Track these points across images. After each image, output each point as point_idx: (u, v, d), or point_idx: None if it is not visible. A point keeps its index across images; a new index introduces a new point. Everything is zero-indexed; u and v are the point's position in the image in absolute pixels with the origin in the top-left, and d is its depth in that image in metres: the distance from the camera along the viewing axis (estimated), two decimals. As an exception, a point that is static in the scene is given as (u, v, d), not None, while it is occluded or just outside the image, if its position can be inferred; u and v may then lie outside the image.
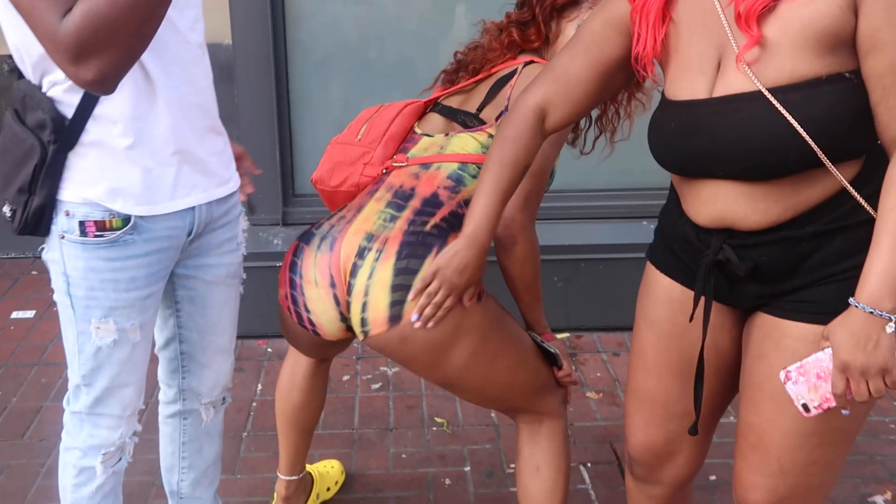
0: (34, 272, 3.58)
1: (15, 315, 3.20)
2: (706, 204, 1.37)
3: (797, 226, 1.32)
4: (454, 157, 1.69)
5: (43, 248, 1.52)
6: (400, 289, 1.56)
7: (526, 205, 1.67)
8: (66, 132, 1.43)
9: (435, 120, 1.81)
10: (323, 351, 1.92)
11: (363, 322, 1.60)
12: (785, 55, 1.25)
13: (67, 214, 1.46)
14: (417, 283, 1.52)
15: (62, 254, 1.48)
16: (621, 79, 1.51)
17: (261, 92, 2.98)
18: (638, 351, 1.58)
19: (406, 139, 1.79)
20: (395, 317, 1.56)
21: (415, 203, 1.64)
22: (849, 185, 1.29)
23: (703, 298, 1.42)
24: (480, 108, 1.74)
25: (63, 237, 1.46)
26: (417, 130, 1.79)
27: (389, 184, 1.69)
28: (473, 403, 1.76)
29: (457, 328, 1.58)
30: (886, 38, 1.22)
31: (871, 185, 1.30)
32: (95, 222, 1.46)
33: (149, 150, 1.47)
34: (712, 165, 1.33)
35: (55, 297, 1.52)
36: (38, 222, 1.48)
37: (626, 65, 1.47)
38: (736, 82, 1.29)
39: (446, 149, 1.71)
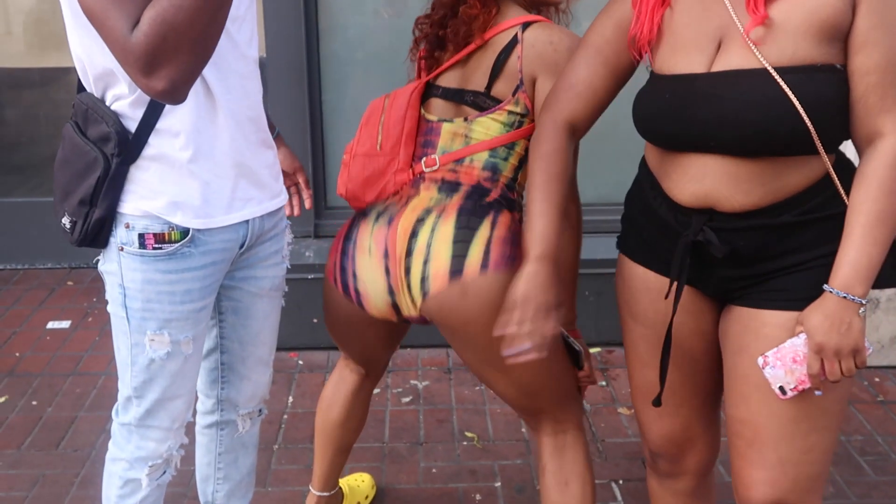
0: (70, 282, 3.64)
1: (51, 325, 3.26)
2: (693, 181, 1.41)
3: (774, 214, 1.39)
4: (482, 146, 1.67)
5: (98, 260, 1.55)
6: (461, 242, 1.59)
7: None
8: (130, 145, 1.46)
9: (442, 103, 1.73)
10: (361, 339, 1.88)
11: (423, 281, 1.61)
12: (788, 38, 1.32)
13: (127, 227, 1.48)
14: (507, 317, 1.47)
15: (120, 265, 1.50)
16: (630, 72, 1.56)
17: (293, 103, 3.02)
18: (631, 346, 1.62)
19: (424, 130, 1.75)
20: (457, 270, 1.58)
21: (465, 188, 1.66)
22: (832, 170, 1.37)
23: (677, 278, 1.46)
24: (489, 86, 1.66)
25: (122, 249, 1.49)
26: (431, 117, 1.73)
27: (431, 178, 1.70)
28: (504, 396, 1.73)
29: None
30: (878, 37, 1.32)
31: (842, 181, 1.39)
32: (155, 235, 1.49)
33: (208, 163, 1.50)
34: (708, 136, 1.37)
35: (109, 308, 1.55)
36: (97, 234, 1.50)
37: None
38: (737, 58, 1.35)
39: (471, 138, 1.68)
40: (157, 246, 1.48)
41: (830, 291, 1.33)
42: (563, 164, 1.52)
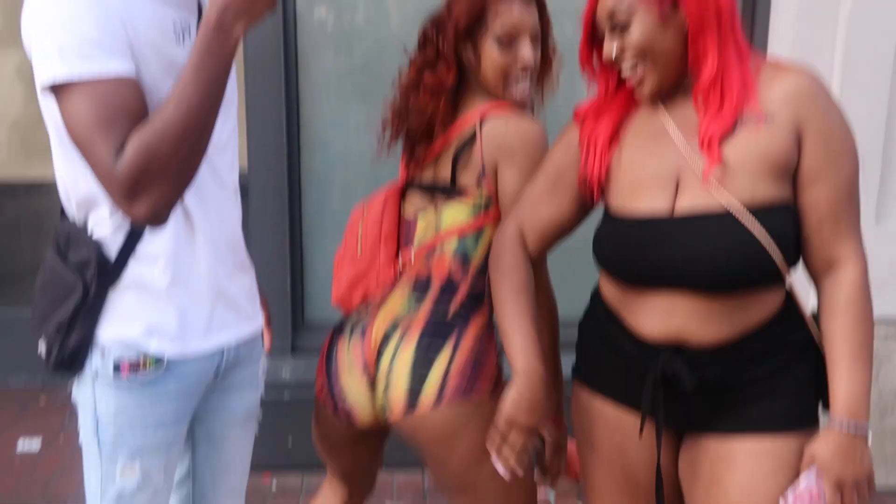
0: (43, 398, 3.58)
1: (21, 445, 3.18)
2: (661, 317, 1.43)
3: (743, 346, 1.41)
4: (451, 233, 1.70)
5: (73, 387, 1.53)
6: (418, 373, 1.62)
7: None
8: (109, 271, 1.47)
9: (418, 198, 1.77)
10: (351, 454, 1.87)
11: (384, 407, 1.66)
12: (746, 178, 1.37)
13: (102, 354, 1.47)
14: (495, 436, 1.49)
15: (94, 394, 1.48)
16: (585, 207, 1.60)
17: (274, 219, 3.05)
18: (589, 477, 1.60)
19: (403, 226, 1.79)
20: (411, 405, 1.62)
21: (434, 289, 1.69)
22: (795, 296, 1.44)
23: (650, 416, 1.47)
24: (453, 178, 1.70)
25: (97, 376, 1.47)
26: (408, 214, 1.78)
27: (407, 276, 1.74)
28: None
29: (469, 416, 1.61)
30: (826, 171, 1.37)
31: (793, 311, 1.45)
32: (130, 363, 1.47)
33: (186, 289, 1.51)
34: (676, 276, 1.40)
35: (81, 439, 1.52)
36: (73, 361, 1.48)
37: None
38: (701, 199, 1.39)
39: (441, 226, 1.71)
40: (131, 374, 1.47)
41: (838, 426, 1.35)
42: (525, 276, 1.56)
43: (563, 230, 1.61)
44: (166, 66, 1.40)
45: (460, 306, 1.67)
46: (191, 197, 1.47)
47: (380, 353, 1.67)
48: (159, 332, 1.47)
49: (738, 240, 1.36)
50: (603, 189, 1.52)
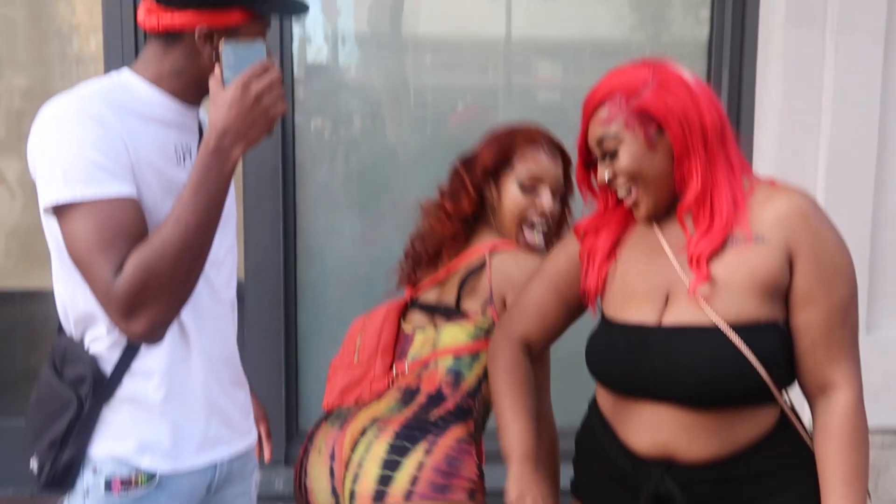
0: (30, 510, 3.51)
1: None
2: (649, 431, 1.45)
3: (733, 465, 1.41)
4: (447, 351, 1.75)
5: (63, 502, 1.52)
6: (389, 465, 1.64)
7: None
8: (104, 387, 1.48)
9: (418, 316, 1.86)
10: None
11: (352, 495, 1.67)
12: (734, 296, 1.39)
13: (94, 471, 1.47)
14: None
15: None
16: (584, 308, 1.65)
17: (269, 329, 3.08)
18: None
19: (400, 340, 1.85)
20: (380, 494, 1.63)
21: (421, 399, 1.74)
22: (790, 414, 1.43)
23: None
24: (458, 302, 1.78)
25: (87, 494, 1.47)
26: (407, 329, 1.85)
27: (398, 386, 1.79)
28: None
29: None
30: (818, 294, 1.38)
31: (787, 433, 1.44)
32: (122, 480, 1.47)
33: (180, 404, 1.52)
34: (662, 387, 1.42)
35: None
36: (65, 477, 1.48)
37: None
38: (687, 313, 1.42)
39: (438, 344, 1.77)
40: (123, 491, 1.47)
41: None
42: (523, 374, 1.61)
43: (559, 332, 1.67)
44: (167, 186, 1.45)
45: (442, 416, 1.71)
46: (187, 313, 1.50)
47: (355, 445, 1.70)
48: (152, 448, 1.49)
49: (722, 354, 1.37)
50: (600, 299, 1.56)
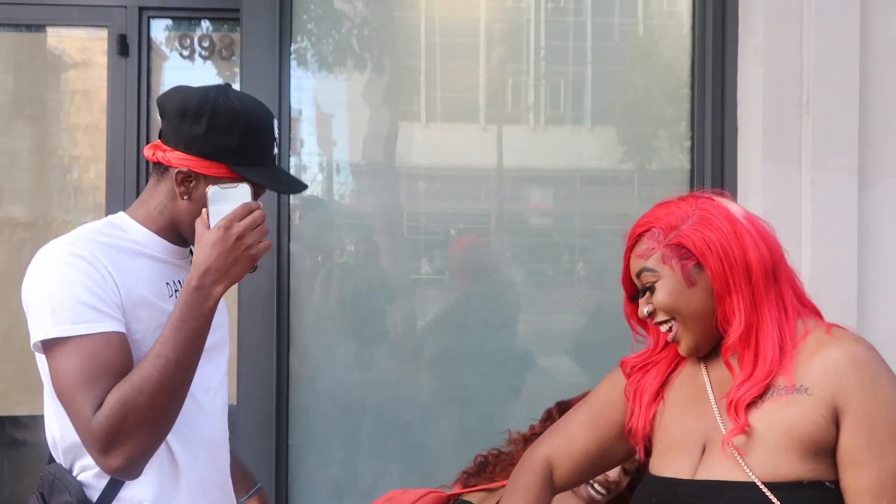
0: None
1: None
2: None
3: None
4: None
5: None
6: None
7: None
8: None
9: None
10: None
11: None
12: (770, 451, 1.31)
13: None
14: None
15: None
16: (622, 447, 1.58)
17: (261, 453, 3.11)
18: None
19: None
20: None
21: None
22: None
23: None
24: None
25: None
26: None
27: None
28: None
29: None
30: (865, 457, 1.28)
31: None
32: None
33: None
34: None
35: None
36: None
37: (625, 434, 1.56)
38: (719, 467, 1.35)
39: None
40: None
41: None
42: (531, 498, 1.54)
43: (598, 466, 1.61)
44: (159, 319, 1.53)
45: None
46: (178, 441, 1.55)
47: None
48: None
49: None
50: (646, 445, 1.51)
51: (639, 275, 1.44)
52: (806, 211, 2.95)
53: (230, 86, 1.60)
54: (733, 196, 3.10)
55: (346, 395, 3.24)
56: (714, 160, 3.18)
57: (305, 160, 3.31)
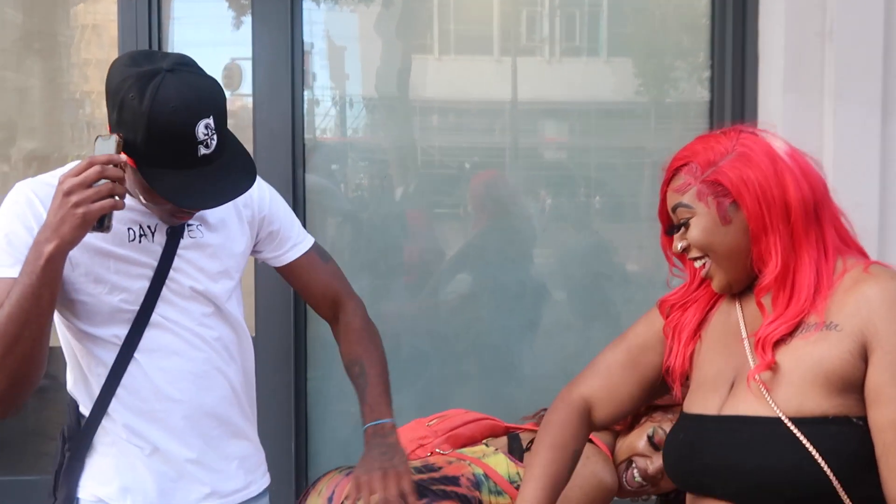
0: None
1: None
2: None
3: None
4: (484, 467, 1.90)
5: None
6: None
7: None
8: (79, 437, 1.65)
9: (502, 440, 2.03)
10: None
11: None
12: (795, 387, 1.33)
13: None
14: None
15: None
16: (661, 386, 1.62)
17: (279, 384, 3.20)
18: None
19: (468, 441, 2.04)
20: None
21: (436, 475, 1.87)
22: None
23: None
24: None
25: None
26: (483, 441, 2.02)
27: (424, 460, 1.91)
28: None
29: None
30: (890, 393, 1.29)
31: None
32: None
33: (163, 456, 1.66)
34: (713, 484, 1.39)
35: None
36: None
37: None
38: (745, 403, 1.37)
39: (486, 458, 1.93)
40: None
41: None
42: (566, 436, 1.56)
43: (637, 406, 1.64)
44: (104, 265, 1.59)
45: (450, 492, 1.82)
46: (157, 367, 1.64)
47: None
48: (134, 491, 1.64)
49: (778, 448, 1.31)
50: (683, 384, 1.54)
51: (674, 209, 1.44)
52: (827, 144, 2.93)
53: (168, 73, 1.48)
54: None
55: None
56: (734, 92, 3.18)
57: (318, 94, 3.34)
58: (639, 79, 3.38)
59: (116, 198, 1.43)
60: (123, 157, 1.47)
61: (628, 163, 3.27)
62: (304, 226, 3.20)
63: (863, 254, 1.46)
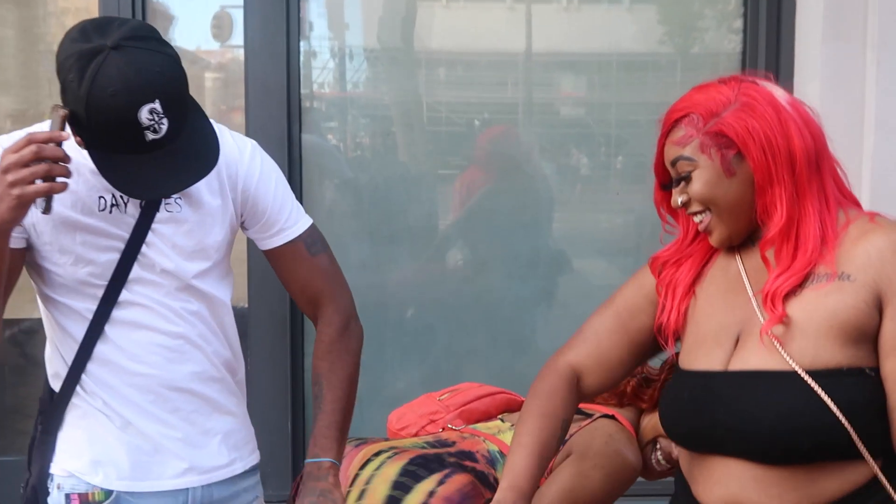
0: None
1: None
2: (718, 484, 1.41)
3: None
4: (499, 444, 1.85)
5: None
6: (400, 487, 1.69)
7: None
8: (50, 410, 1.65)
9: (516, 415, 1.96)
10: None
11: None
12: (809, 340, 1.34)
13: (58, 487, 1.62)
14: None
15: None
16: (652, 347, 1.60)
17: (275, 358, 3.11)
18: None
19: (481, 416, 2.00)
20: None
21: (451, 449, 1.82)
22: (881, 475, 1.34)
23: None
24: None
25: None
26: (499, 416, 2.00)
27: (435, 435, 1.90)
28: None
29: None
30: None
31: (884, 490, 1.35)
32: (79, 495, 1.61)
33: (136, 430, 1.64)
34: (724, 440, 1.39)
35: None
36: (35, 497, 1.65)
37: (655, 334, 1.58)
38: (756, 357, 1.38)
39: (500, 435, 1.88)
40: None
41: None
42: (554, 404, 1.55)
43: (616, 371, 1.62)
44: (70, 235, 1.56)
45: (466, 466, 1.77)
46: (129, 343, 1.62)
47: (365, 464, 1.77)
48: (105, 465, 1.62)
49: (796, 403, 1.33)
50: (678, 339, 1.53)
51: (674, 163, 1.44)
52: (869, 96, 2.84)
53: (113, 51, 1.44)
54: (790, 81, 3.03)
55: (364, 298, 3.15)
56: (769, 41, 3.05)
57: (315, 45, 3.23)
58: (664, 28, 3.28)
59: (59, 180, 1.41)
60: (66, 134, 1.43)
61: (652, 119, 3.12)
62: (300, 189, 3.12)
63: (858, 205, 1.47)
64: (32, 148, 1.37)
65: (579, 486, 1.75)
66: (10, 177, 1.37)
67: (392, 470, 1.72)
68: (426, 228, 3.28)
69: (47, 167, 1.37)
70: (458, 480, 1.72)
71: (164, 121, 1.46)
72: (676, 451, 1.77)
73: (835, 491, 1.35)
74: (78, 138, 1.48)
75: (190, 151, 1.52)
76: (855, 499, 1.35)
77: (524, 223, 3.23)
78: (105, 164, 1.47)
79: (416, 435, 1.94)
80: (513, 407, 2.04)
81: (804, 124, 1.39)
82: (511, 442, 1.56)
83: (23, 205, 1.39)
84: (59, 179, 1.40)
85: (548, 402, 1.55)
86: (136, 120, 1.43)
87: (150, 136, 1.46)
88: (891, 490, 1.34)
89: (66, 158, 1.41)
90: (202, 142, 1.55)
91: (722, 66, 3.19)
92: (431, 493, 1.69)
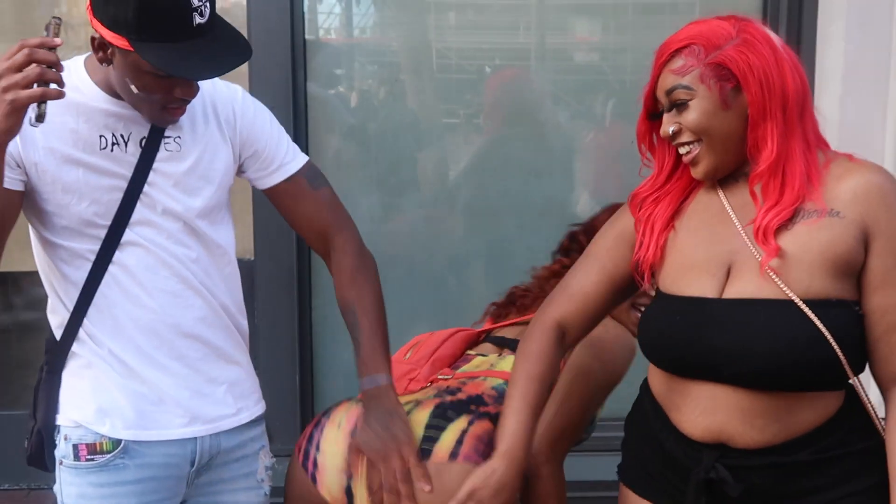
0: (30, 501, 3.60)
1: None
2: (704, 414, 1.48)
3: (789, 451, 1.44)
4: (502, 375, 1.85)
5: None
6: (434, 428, 1.71)
7: (558, 441, 1.82)
8: (54, 354, 1.67)
9: (488, 345, 2.01)
10: None
11: None
12: (804, 271, 1.42)
13: (66, 438, 1.63)
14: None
15: (60, 481, 1.63)
16: (631, 288, 1.68)
17: (282, 311, 3.13)
18: None
19: (458, 359, 1.99)
20: (425, 451, 1.68)
21: (461, 396, 1.81)
22: (863, 395, 1.46)
23: None
24: None
25: (61, 463, 1.62)
26: (472, 353, 1.99)
27: (437, 386, 1.89)
28: None
29: None
30: None
31: (854, 415, 1.47)
32: (87, 445, 1.62)
33: (139, 378, 1.65)
34: (722, 366, 1.45)
35: None
36: (41, 449, 1.67)
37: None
38: (752, 286, 1.45)
39: (496, 366, 1.89)
40: (89, 457, 1.62)
41: None
42: (544, 366, 1.63)
43: (600, 316, 1.71)
44: (74, 175, 1.58)
45: (482, 411, 1.77)
46: (135, 286, 1.64)
47: None
48: (112, 414, 1.63)
49: (795, 330, 1.40)
50: (654, 272, 1.59)
51: (670, 91, 1.49)
52: None
53: None
54: (813, 23, 2.99)
55: (372, 248, 3.16)
56: None
57: None
58: (682, -32, 3.23)
59: (52, 85, 1.41)
60: (59, 40, 1.43)
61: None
62: (306, 138, 3.12)
63: (829, 148, 1.55)
64: (25, 52, 1.37)
65: (581, 375, 1.85)
66: (3, 82, 1.37)
67: (422, 416, 1.74)
68: (436, 178, 3.27)
69: (40, 71, 1.38)
70: (481, 426, 1.74)
71: (208, 4, 1.51)
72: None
73: (810, 423, 1.44)
74: (100, 53, 1.51)
75: (228, 38, 1.57)
76: (822, 430, 1.44)
77: (537, 171, 3.21)
78: (152, 52, 1.48)
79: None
80: (472, 338, 2.06)
81: (795, 67, 1.47)
82: (504, 406, 1.62)
83: (17, 110, 1.39)
84: (52, 86, 1.40)
85: (538, 365, 1.63)
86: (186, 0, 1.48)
87: (198, 19, 1.49)
88: (868, 409, 1.47)
89: (59, 65, 1.41)
90: (233, 32, 1.59)
91: (743, 10, 3.07)
92: (464, 432, 1.71)
